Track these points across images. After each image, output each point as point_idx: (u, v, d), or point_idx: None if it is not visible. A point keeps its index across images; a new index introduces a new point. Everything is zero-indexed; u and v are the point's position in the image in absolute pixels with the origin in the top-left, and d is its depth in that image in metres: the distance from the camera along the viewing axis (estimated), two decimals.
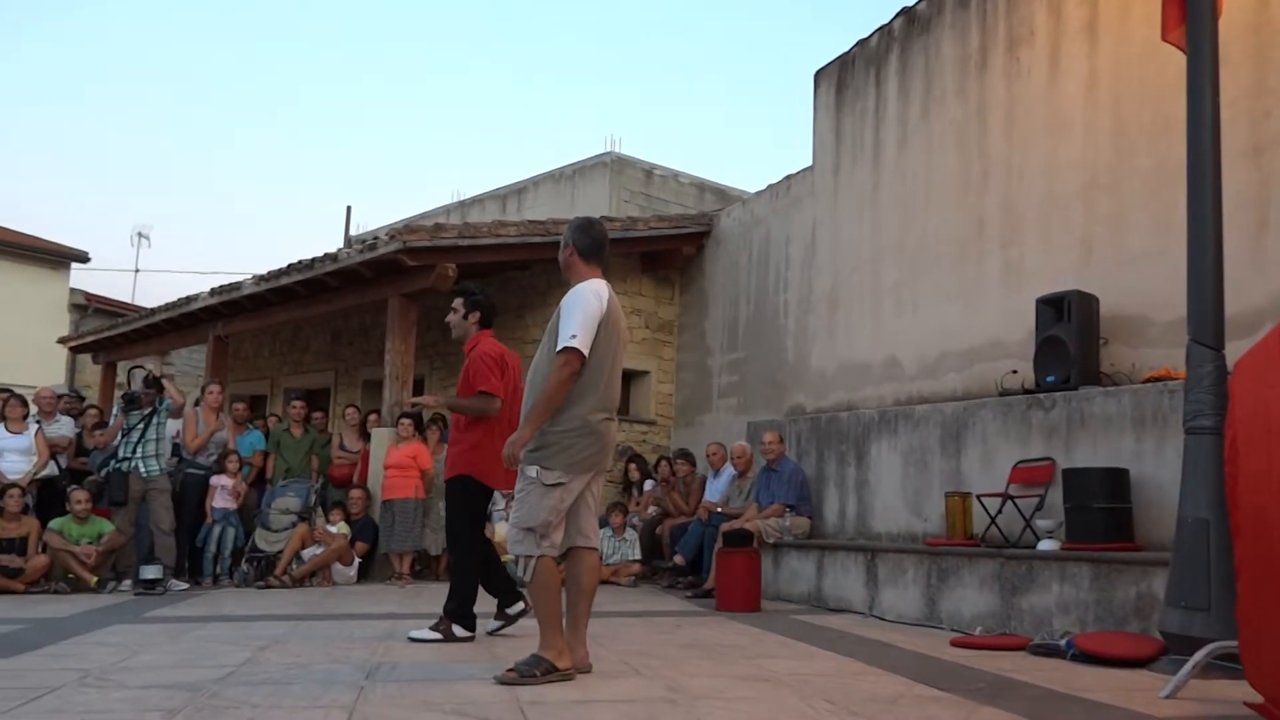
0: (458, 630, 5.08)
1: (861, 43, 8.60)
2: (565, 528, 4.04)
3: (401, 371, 9.86)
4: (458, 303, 5.41)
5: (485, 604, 5.30)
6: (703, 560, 8.23)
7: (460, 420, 5.35)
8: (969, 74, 7.49)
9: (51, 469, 8.61)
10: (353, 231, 18.82)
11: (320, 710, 3.28)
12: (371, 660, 4.38)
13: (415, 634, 5.07)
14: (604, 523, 8.84)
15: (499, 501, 8.24)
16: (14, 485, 8.00)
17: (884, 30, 8.34)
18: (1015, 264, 7.02)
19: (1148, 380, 5.79)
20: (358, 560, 8.85)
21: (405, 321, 9.97)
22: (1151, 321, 6.11)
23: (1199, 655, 3.70)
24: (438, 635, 5.03)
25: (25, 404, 8.73)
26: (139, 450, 8.05)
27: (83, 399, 11.93)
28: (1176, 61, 4.99)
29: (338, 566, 8.66)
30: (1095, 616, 5.10)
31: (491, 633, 5.30)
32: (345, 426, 10.22)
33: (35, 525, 8.01)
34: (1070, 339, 6.19)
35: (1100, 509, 5.42)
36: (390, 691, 3.63)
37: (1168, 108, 5.95)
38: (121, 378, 15.79)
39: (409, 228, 9.79)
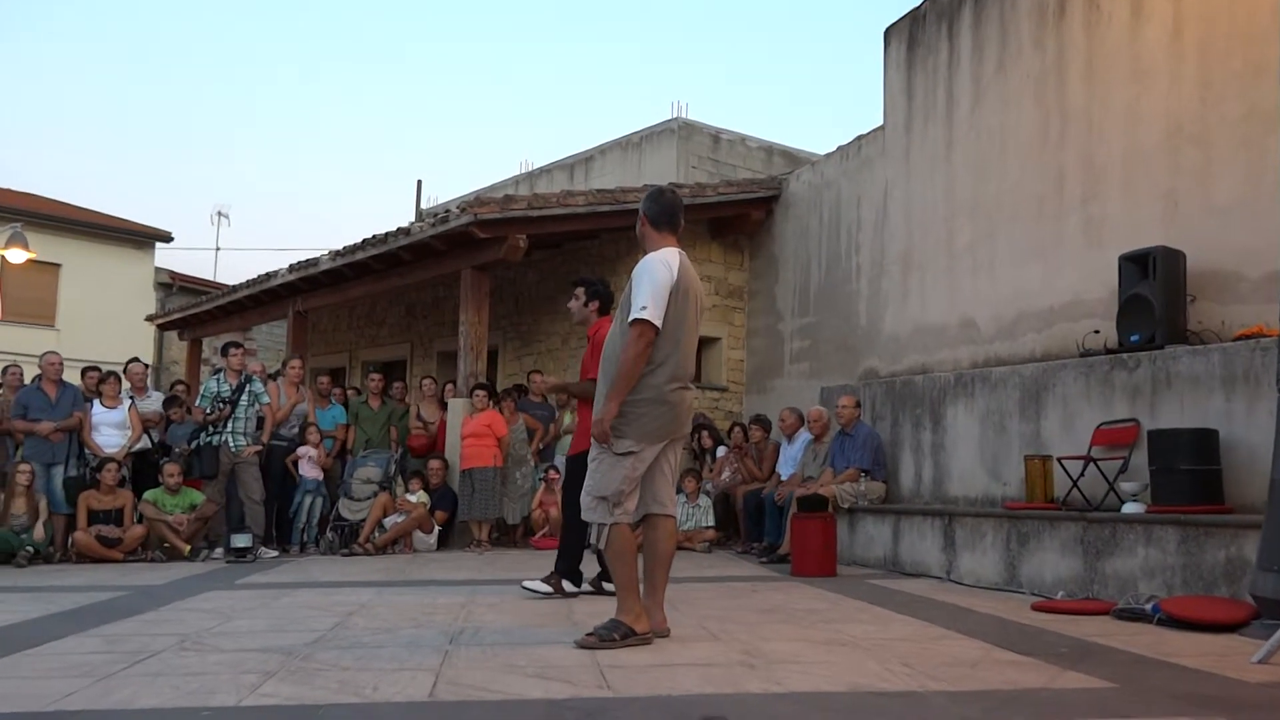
0: (566, 585, 5.49)
1: None
2: (640, 495, 4.07)
3: (475, 343, 9.99)
4: (580, 291, 5.76)
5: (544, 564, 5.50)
6: (776, 525, 8.22)
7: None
8: (1046, 24, 7.26)
9: (144, 442, 8.95)
10: (424, 205, 19.03)
11: (408, 673, 3.38)
12: (454, 625, 4.48)
13: (528, 584, 5.48)
14: (678, 489, 8.87)
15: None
16: (111, 459, 8.33)
17: None
18: (1096, 220, 6.82)
19: (1238, 338, 5.59)
20: (437, 528, 9.04)
21: (478, 293, 10.08)
22: (1242, 277, 5.89)
23: None
24: (548, 588, 5.44)
25: (120, 380, 9.09)
26: (229, 425, 8.35)
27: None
28: (1269, 3, 4.78)
29: (418, 534, 8.86)
30: (1183, 580, 4.98)
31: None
32: (422, 397, 10.40)
33: (130, 497, 8.35)
34: (1155, 297, 6.00)
35: (1188, 470, 5.27)
36: (473, 655, 3.72)
37: (1258, 53, 5.68)
38: (207, 354, 16.31)
39: (479, 200, 9.84)
